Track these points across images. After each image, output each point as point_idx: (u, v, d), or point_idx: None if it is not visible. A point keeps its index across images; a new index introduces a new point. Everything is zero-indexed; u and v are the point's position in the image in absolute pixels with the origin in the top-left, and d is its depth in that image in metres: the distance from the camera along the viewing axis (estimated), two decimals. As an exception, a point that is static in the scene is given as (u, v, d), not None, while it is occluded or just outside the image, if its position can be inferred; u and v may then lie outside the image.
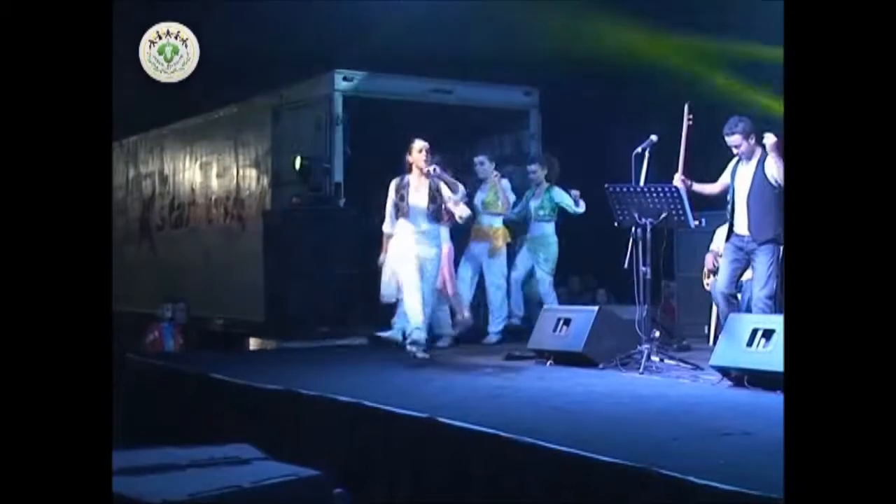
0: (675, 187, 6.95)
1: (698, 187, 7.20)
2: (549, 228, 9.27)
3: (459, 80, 10.60)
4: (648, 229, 6.93)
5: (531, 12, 10.43)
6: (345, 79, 9.98)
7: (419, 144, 7.80)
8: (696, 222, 7.11)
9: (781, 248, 6.89)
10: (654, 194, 6.91)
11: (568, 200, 9.15)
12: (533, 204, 9.28)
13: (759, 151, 6.91)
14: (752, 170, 6.92)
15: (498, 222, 9.24)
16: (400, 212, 7.80)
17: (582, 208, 9.13)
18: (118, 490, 3.28)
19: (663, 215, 6.92)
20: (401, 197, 7.80)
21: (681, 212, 6.92)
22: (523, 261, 9.32)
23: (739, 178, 7.01)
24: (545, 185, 9.27)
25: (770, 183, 6.82)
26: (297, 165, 9.73)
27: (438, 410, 5.02)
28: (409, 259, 7.64)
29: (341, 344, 9.06)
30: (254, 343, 10.88)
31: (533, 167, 9.37)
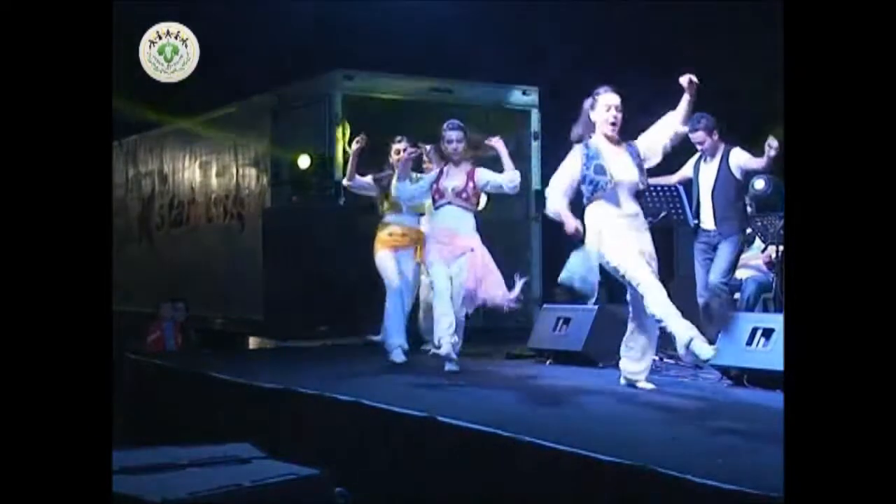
0: (675, 186, 6.97)
1: (654, 181, 7.17)
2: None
3: (459, 79, 10.60)
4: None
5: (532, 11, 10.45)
6: (346, 78, 9.99)
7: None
8: (696, 221, 7.13)
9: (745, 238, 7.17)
10: (654, 193, 6.92)
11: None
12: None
13: (721, 147, 7.00)
14: (715, 165, 7.00)
15: None
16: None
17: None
18: (118, 489, 3.29)
19: (662, 214, 6.93)
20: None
21: (680, 211, 6.93)
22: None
23: (703, 175, 7.07)
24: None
25: (734, 177, 6.92)
26: (307, 163, 9.72)
27: (438, 409, 5.02)
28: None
29: (341, 343, 9.06)
30: (253, 342, 10.89)
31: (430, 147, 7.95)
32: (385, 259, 7.57)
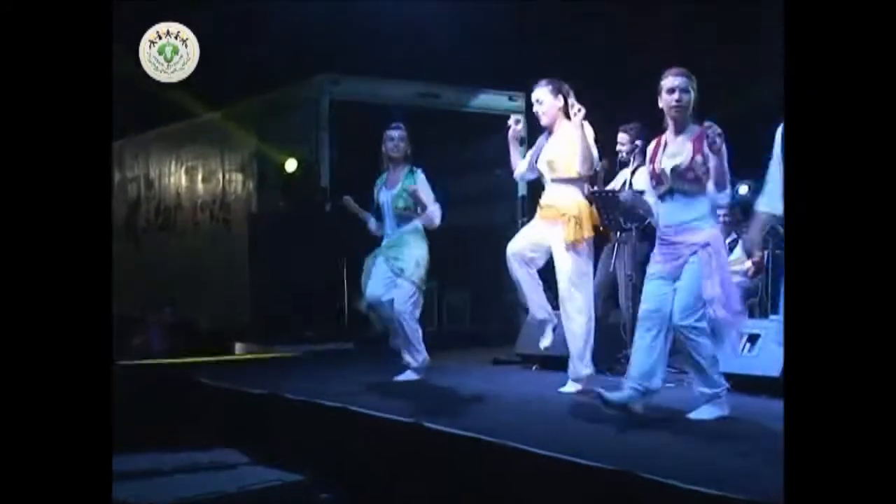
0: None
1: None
2: (411, 227, 6.64)
3: (446, 84, 10.61)
4: (634, 233, 6.94)
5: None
6: (332, 82, 9.98)
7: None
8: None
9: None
10: (639, 198, 6.91)
11: (430, 195, 6.62)
12: (387, 194, 6.70)
13: None
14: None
15: None
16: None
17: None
18: (106, 495, 3.28)
19: (648, 219, 6.93)
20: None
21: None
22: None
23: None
24: (405, 166, 6.74)
25: None
26: (294, 167, 9.70)
27: (424, 415, 5.03)
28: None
29: (328, 348, 9.06)
30: (239, 346, 10.87)
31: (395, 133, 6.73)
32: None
